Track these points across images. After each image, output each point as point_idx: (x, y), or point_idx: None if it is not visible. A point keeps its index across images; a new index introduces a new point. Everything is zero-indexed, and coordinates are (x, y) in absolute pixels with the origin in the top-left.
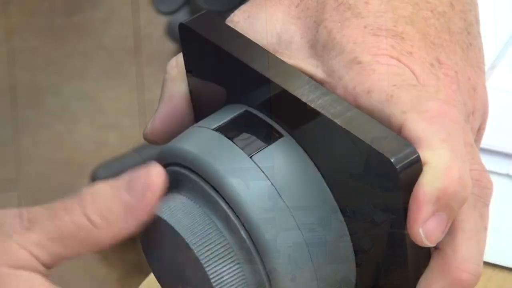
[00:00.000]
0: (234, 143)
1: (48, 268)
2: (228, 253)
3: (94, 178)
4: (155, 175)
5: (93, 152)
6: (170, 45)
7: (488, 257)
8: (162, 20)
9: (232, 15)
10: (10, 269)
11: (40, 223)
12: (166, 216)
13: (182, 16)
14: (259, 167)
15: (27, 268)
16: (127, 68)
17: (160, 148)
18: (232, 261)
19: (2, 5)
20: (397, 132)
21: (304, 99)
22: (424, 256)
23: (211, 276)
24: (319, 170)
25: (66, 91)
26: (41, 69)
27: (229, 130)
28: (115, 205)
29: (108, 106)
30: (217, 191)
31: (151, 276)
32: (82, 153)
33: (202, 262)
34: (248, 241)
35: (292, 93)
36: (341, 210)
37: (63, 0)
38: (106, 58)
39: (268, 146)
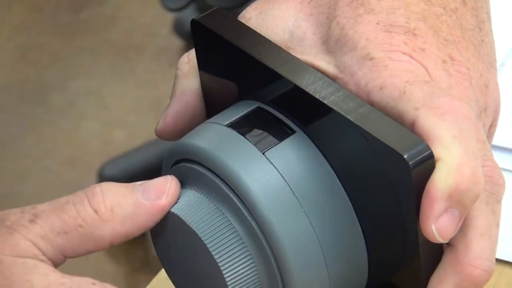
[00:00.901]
0: (246, 139)
1: (55, 263)
2: (241, 248)
3: (101, 175)
4: (171, 182)
5: (99, 149)
6: (178, 42)
7: (499, 254)
8: (170, 17)
9: (244, 11)
10: (12, 257)
11: (44, 215)
12: (178, 210)
13: (189, 13)
14: (271, 163)
15: (31, 257)
16: (134, 65)
17: (171, 144)
18: (245, 256)
19: (9, 2)
20: (410, 129)
21: (316, 96)
22: (436, 253)
23: (223, 270)
24: (331, 166)
25: (73, 88)
26: (47, 65)
27: (242, 126)
28: (126, 201)
29: (115, 103)
30: (229, 187)
31: (161, 274)
32: (88, 150)
33: (215, 256)
34: (260, 236)
35: (305, 89)
36: (353, 206)
37: None
38: (113, 55)
39: (281, 142)
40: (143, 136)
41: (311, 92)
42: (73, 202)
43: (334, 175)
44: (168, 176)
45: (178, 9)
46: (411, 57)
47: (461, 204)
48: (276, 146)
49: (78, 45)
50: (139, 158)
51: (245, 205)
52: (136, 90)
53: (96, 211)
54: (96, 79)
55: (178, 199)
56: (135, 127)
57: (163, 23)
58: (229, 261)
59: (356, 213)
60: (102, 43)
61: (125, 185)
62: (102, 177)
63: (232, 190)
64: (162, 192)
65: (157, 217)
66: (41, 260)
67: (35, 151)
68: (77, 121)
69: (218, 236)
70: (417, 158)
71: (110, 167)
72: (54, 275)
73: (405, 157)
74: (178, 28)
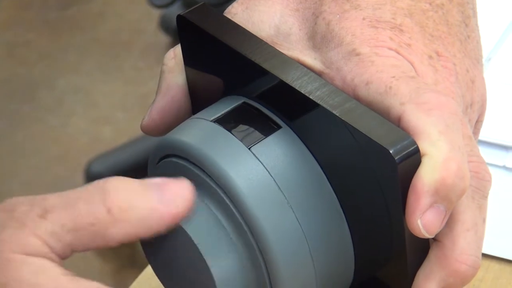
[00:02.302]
0: (232, 134)
1: (62, 258)
2: (227, 243)
3: (89, 172)
4: (189, 190)
5: (87, 146)
6: (164, 38)
7: (485, 249)
8: (157, 14)
9: (230, 6)
10: (22, 256)
11: (55, 212)
12: None
13: (175, 9)
14: (257, 158)
15: (40, 256)
16: (122, 62)
17: (158, 139)
18: (231, 250)
19: None
20: (396, 124)
21: (302, 91)
22: (423, 248)
23: (210, 265)
24: (317, 161)
25: (61, 85)
26: (35, 63)
27: (228, 122)
28: (141, 204)
29: (103, 100)
30: (216, 182)
31: (147, 270)
32: (76, 147)
33: (201, 251)
34: (247, 231)
35: (291, 84)
36: (339, 201)
37: None
38: (101, 52)
39: (267, 138)
40: (130, 133)
41: (296, 87)
42: (86, 199)
43: (320, 170)
44: (184, 181)
45: (164, 6)
46: (397, 52)
47: (447, 199)
48: (262, 141)
49: (65, 42)
50: (127, 155)
51: (231, 200)
52: (124, 87)
53: (109, 211)
54: (84, 76)
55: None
56: (123, 124)
57: (150, 20)
58: (216, 256)
59: (342, 208)
60: (90, 40)
61: (140, 183)
62: (89, 174)
63: (219, 185)
64: (178, 198)
65: (170, 224)
66: (50, 259)
67: (23, 149)
68: (65, 118)
69: (205, 231)
70: (403, 153)
71: (97, 164)
72: (62, 280)
73: (391, 152)
74: (164, 25)
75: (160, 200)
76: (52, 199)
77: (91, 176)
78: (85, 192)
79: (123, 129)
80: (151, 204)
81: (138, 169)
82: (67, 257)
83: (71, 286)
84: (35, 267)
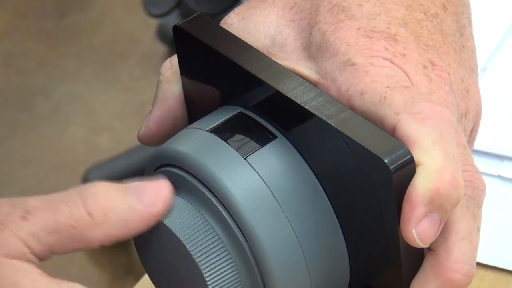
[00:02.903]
0: (228, 144)
1: (40, 260)
2: (223, 253)
3: (86, 180)
4: (167, 189)
5: (84, 154)
6: (161, 48)
7: (480, 258)
8: (154, 23)
9: (226, 17)
10: (2, 257)
11: (37, 213)
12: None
13: (173, 19)
14: (253, 168)
15: (20, 258)
16: (119, 71)
17: (154, 149)
18: (227, 261)
19: None
20: (391, 134)
21: (298, 101)
22: (418, 257)
23: (206, 275)
24: (312, 171)
25: (58, 94)
26: (32, 72)
27: (224, 132)
28: (121, 206)
29: (100, 108)
30: (211, 192)
31: (144, 279)
32: (73, 155)
33: (197, 261)
34: (242, 241)
35: (286, 94)
36: (334, 210)
37: (54, 3)
38: (98, 61)
39: (262, 147)
40: (128, 142)
41: (292, 98)
42: (67, 202)
43: (316, 179)
44: (162, 180)
45: (161, 15)
46: (392, 62)
47: (442, 209)
48: (257, 151)
49: (62, 51)
50: (124, 163)
51: (227, 210)
52: (121, 96)
53: (89, 214)
54: (81, 85)
55: (172, 206)
56: (120, 133)
57: (147, 29)
58: (212, 266)
59: (337, 218)
60: (87, 49)
61: (119, 186)
62: (87, 182)
63: (214, 195)
64: (157, 198)
65: (150, 223)
66: (29, 260)
67: (20, 157)
68: (62, 127)
69: (200, 241)
70: (398, 163)
71: (94, 173)
72: (42, 280)
73: (386, 161)
74: (161, 34)
75: (138, 200)
76: (34, 201)
77: None
78: (66, 196)
79: (120, 137)
80: (129, 204)
81: (135, 177)
82: (46, 259)
83: (50, 286)
84: (15, 268)
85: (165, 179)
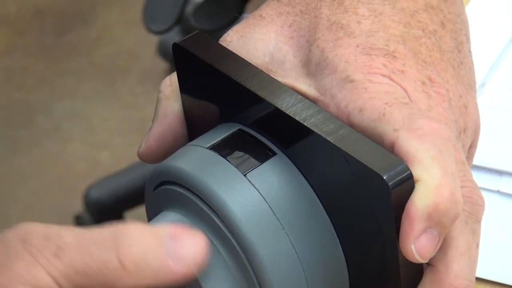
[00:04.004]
0: (228, 161)
1: None
2: (224, 269)
3: (87, 197)
4: (203, 247)
5: (85, 171)
6: (162, 64)
7: (479, 273)
8: (154, 39)
9: (225, 34)
10: None
11: (69, 252)
12: None
13: (173, 35)
14: (253, 184)
15: None
16: (119, 87)
17: (154, 166)
18: (226, 276)
19: None
20: (389, 150)
21: (297, 118)
22: (417, 273)
23: None
24: (312, 187)
25: (58, 110)
26: (32, 88)
27: (223, 149)
28: (154, 259)
29: (100, 125)
30: (211, 209)
31: None
32: (74, 172)
33: (198, 277)
34: (243, 258)
35: (285, 111)
36: (334, 226)
37: (54, 20)
38: (98, 77)
39: (262, 164)
40: (128, 158)
41: (291, 115)
42: (100, 244)
43: (315, 196)
44: (198, 235)
45: (162, 32)
46: (390, 79)
47: (440, 224)
48: (257, 168)
49: (63, 68)
50: (125, 180)
51: (227, 226)
52: (121, 112)
53: (121, 262)
54: (81, 102)
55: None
56: (120, 149)
57: (147, 45)
58: (211, 282)
59: (337, 233)
60: (87, 65)
61: (153, 234)
62: (88, 199)
63: (215, 212)
64: (191, 257)
65: (180, 283)
66: None
67: (20, 174)
68: (62, 143)
69: None
70: (397, 179)
71: (96, 189)
72: None
73: (384, 178)
74: (161, 51)
75: (172, 256)
76: (67, 237)
77: (89, 202)
78: (99, 235)
79: (121, 154)
80: (163, 259)
81: (136, 194)
82: None
83: None
84: None
85: (201, 234)
